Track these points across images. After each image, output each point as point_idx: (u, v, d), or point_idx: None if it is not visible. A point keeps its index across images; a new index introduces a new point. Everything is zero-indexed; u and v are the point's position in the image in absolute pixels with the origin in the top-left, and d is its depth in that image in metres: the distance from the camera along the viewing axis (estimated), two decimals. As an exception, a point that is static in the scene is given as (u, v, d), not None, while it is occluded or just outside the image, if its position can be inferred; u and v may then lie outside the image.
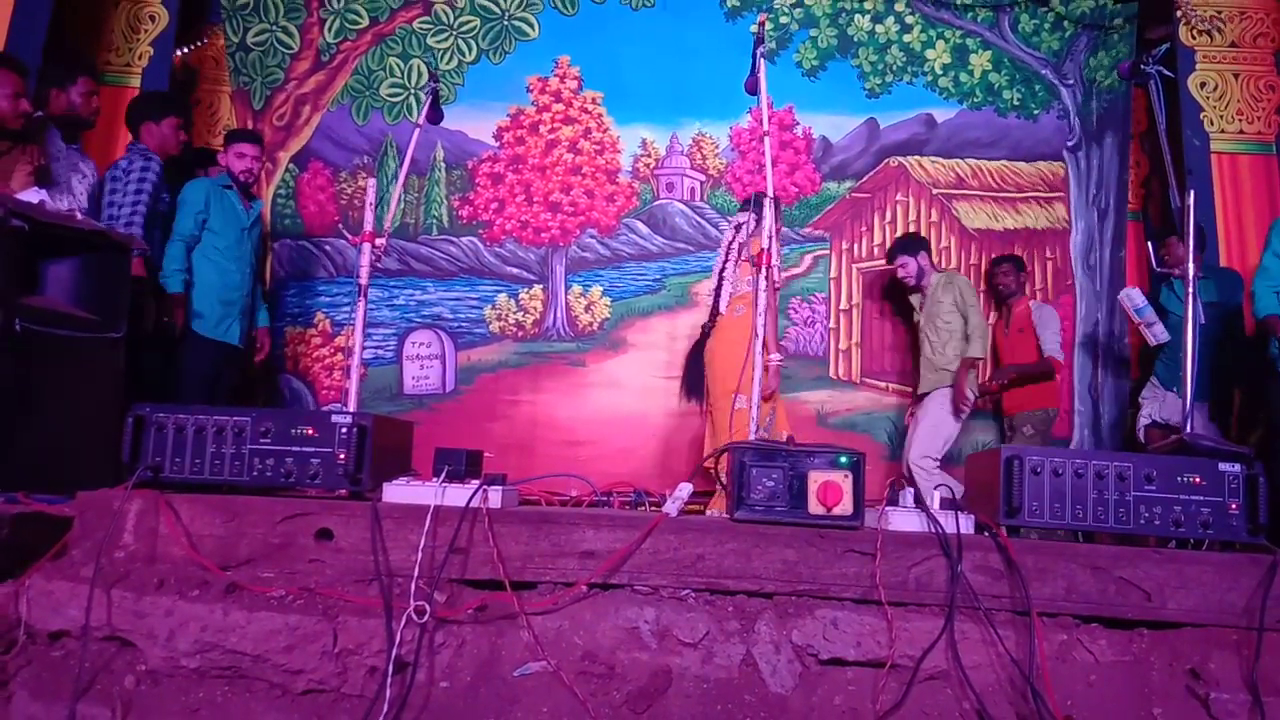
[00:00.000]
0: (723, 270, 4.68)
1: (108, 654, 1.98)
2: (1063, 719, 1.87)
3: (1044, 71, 5.78)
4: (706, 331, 4.69)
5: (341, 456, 2.27)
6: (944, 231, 5.79)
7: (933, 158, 5.82)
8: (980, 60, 5.81)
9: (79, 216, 3.68)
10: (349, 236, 4.07)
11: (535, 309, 5.82)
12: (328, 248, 5.84)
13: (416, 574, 2.04)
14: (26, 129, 3.88)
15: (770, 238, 3.43)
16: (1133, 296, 5.12)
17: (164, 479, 2.26)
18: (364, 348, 5.19)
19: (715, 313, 4.63)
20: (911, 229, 5.75)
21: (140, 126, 4.56)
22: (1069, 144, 5.76)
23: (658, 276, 5.89)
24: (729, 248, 4.68)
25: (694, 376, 4.71)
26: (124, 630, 1.98)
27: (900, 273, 5.17)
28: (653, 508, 2.65)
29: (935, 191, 5.82)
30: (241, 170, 4.79)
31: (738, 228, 4.69)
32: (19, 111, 3.79)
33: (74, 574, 2.06)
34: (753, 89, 3.43)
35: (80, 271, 3.51)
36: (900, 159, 5.84)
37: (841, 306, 5.74)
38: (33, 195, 3.59)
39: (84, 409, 3.32)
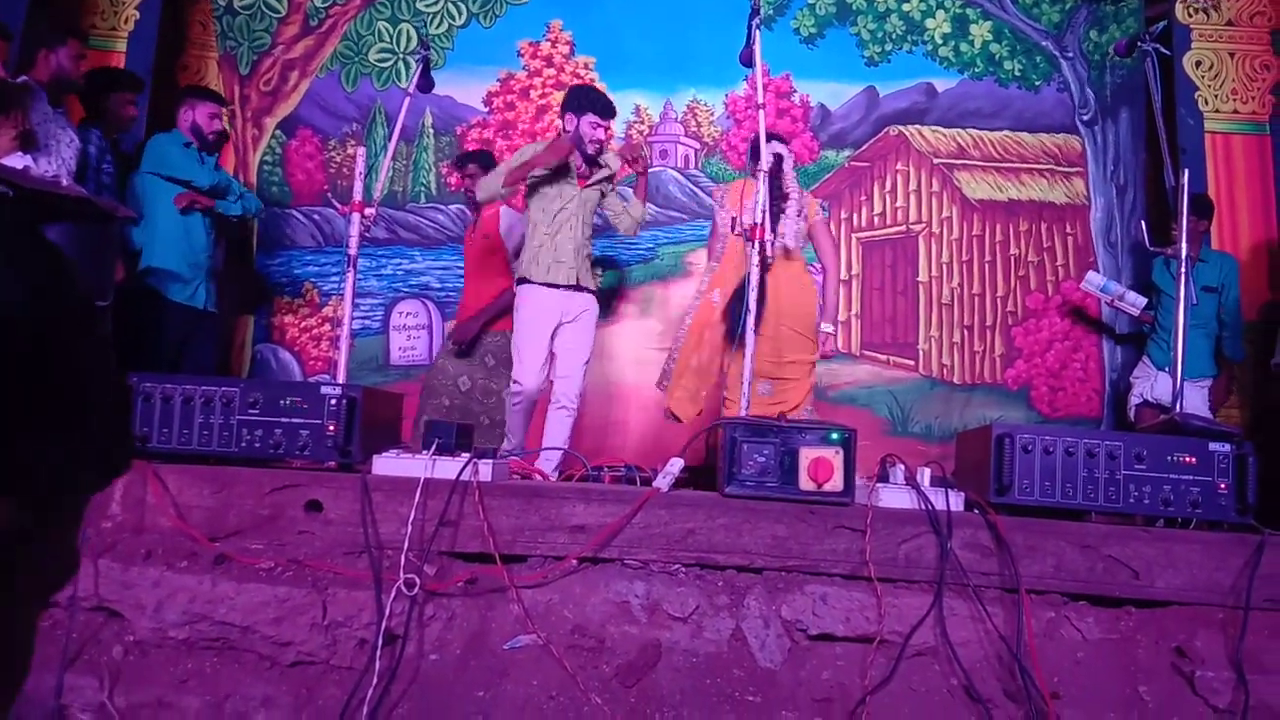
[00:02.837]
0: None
1: (95, 624, 1.97)
2: (1049, 695, 1.88)
3: (1044, 43, 5.73)
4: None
5: (331, 428, 2.26)
6: (945, 201, 5.76)
7: (933, 127, 5.77)
8: (980, 30, 5.75)
9: (64, 182, 3.63)
10: (338, 206, 4.03)
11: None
12: (316, 217, 5.78)
13: (406, 546, 2.03)
14: (7, 94, 3.81)
15: (763, 212, 3.42)
16: (1091, 280, 5.18)
17: (152, 449, 2.25)
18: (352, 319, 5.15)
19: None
20: (912, 199, 5.71)
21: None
22: (1084, 117, 5.70)
23: (650, 246, 5.84)
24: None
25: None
26: (112, 601, 1.97)
27: None
28: (643, 483, 2.64)
29: (936, 161, 5.77)
30: (213, 132, 4.69)
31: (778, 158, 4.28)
32: None
33: (61, 545, 2.04)
34: (748, 61, 3.39)
35: (66, 238, 3.47)
36: (900, 128, 5.79)
37: (841, 277, 5.71)
38: (17, 161, 3.54)
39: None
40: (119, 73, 4.81)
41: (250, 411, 2.26)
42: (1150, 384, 4.98)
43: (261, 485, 2.18)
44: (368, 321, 5.70)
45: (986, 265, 5.63)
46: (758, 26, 3.25)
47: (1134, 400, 5.04)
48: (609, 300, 5.74)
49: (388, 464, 2.30)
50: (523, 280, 4.22)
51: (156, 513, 2.15)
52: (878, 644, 2.00)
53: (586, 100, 4.32)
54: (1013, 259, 5.65)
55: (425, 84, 3.78)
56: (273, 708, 1.91)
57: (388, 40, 5.85)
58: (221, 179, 4.73)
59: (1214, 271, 4.83)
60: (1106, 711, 1.92)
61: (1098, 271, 5.42)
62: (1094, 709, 1.92)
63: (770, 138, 4.23)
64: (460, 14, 5.87)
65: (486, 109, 5.89)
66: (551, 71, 5.94)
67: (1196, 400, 4.66)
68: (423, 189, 5.83)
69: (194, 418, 2.25)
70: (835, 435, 2.22)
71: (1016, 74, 5.75)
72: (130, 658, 1.94)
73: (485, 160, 4.84)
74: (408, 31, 5.82)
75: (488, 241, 4.84)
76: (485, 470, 2.22)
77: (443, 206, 5.81)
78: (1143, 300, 5.05)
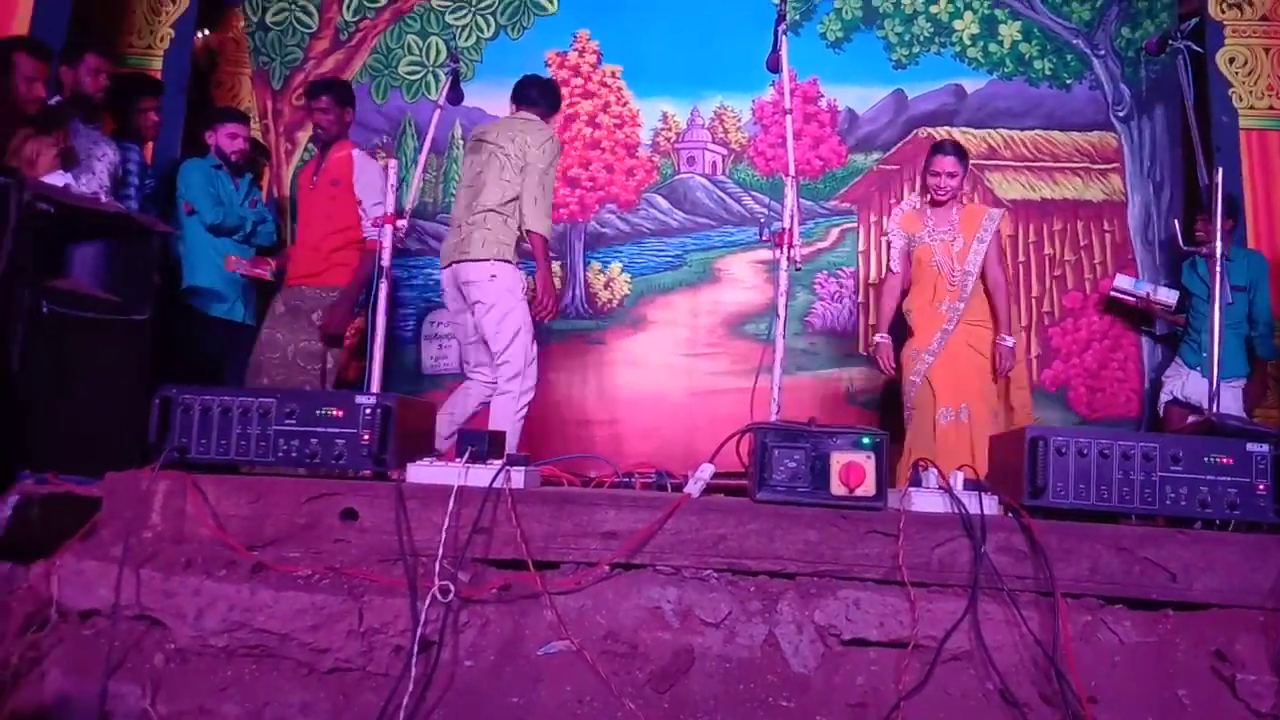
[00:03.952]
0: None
1: (137, 633, 2.01)
2: (1086, 699, 1.86)
3: (1075, 41, 5.68)
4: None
5: (366, 437, 2.28)
6: (977, 203, 5.72)
7: (963, 128, 5.74)
8: (1010, 30, 5.72)
9: (103, 199, 3.71)
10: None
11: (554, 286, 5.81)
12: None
13: (440, 554, 2.05)
14: (47, 113, 3.90)
15: (792, 216, 3.41)
16: (1121, 283, 5.14)
17: (190, 459, 2.28)
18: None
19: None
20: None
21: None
22: (1119, 114, 5.65)
23: (679, 252, 5.86)
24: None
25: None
26: (153, 609, 2.01)
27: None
28: (674, 489, 2.65)
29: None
30: (235, 151, 4.78)
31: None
32: (34, 96, 3.80)
33: (103, 554, 2.09)
34: (775, 66, 3.40)
35: (105, 254, 3.54)
36: (929, 130, 5.76)
37: (870, 281, 5.68)
38: (58, 179, 3.62)
39: (110, 390, 3.37)
40: (137, 79, 4.92)
41: (287, 422, 2.29)
42: (1181, 383, 4.93)
43: (298, 494, 2.21)
44: (399, 332, 5.76)
45: (1020, 266, 5.58)
46: (784, 32, 3.26)
47: (1164, 398, 5.00)
48: (636, 307, 5.76)
49: (421, 472, 2.32)
50: (502, 259, 4.04)
51: (196, 522, 2.19)
52: (912, 648, 1.99)
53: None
54: (1048, 258, 5.61)
55: (455, 96, 3.83)
56: (311, 714, 1.94)
57: (417, 53, 5.92)
58: (236, 214, 4.79)
59: (1242, 270, 4.77)
60: (1145, 716, 1.90)
61: (1136, 268, 5.39)
62: (1132, 713, 1.90)
63: (952, 146, 4.33)
64: (489, 26, 5.93)
65: (516, 119, 5.93)
66: (579, 81, 5.98)
67: (1229, 400, 4.60)
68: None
69: (231, 428, 2.29)
70: (867, 440, 2.21)
71: (1047, 73, 5.71)
72: (171, 665, 1.98)
73: (342, 93, 4.59)
74: (437, 44, 5.89)
75: (336, 189, 4.50)
76: (518, 478, 2.24)
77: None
78: (1174, 295, 5.00)
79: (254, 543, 2.18)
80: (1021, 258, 5.59)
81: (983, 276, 4.33)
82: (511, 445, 3.61)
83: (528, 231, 4.08)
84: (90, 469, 2.41)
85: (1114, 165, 5.64)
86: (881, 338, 4.50)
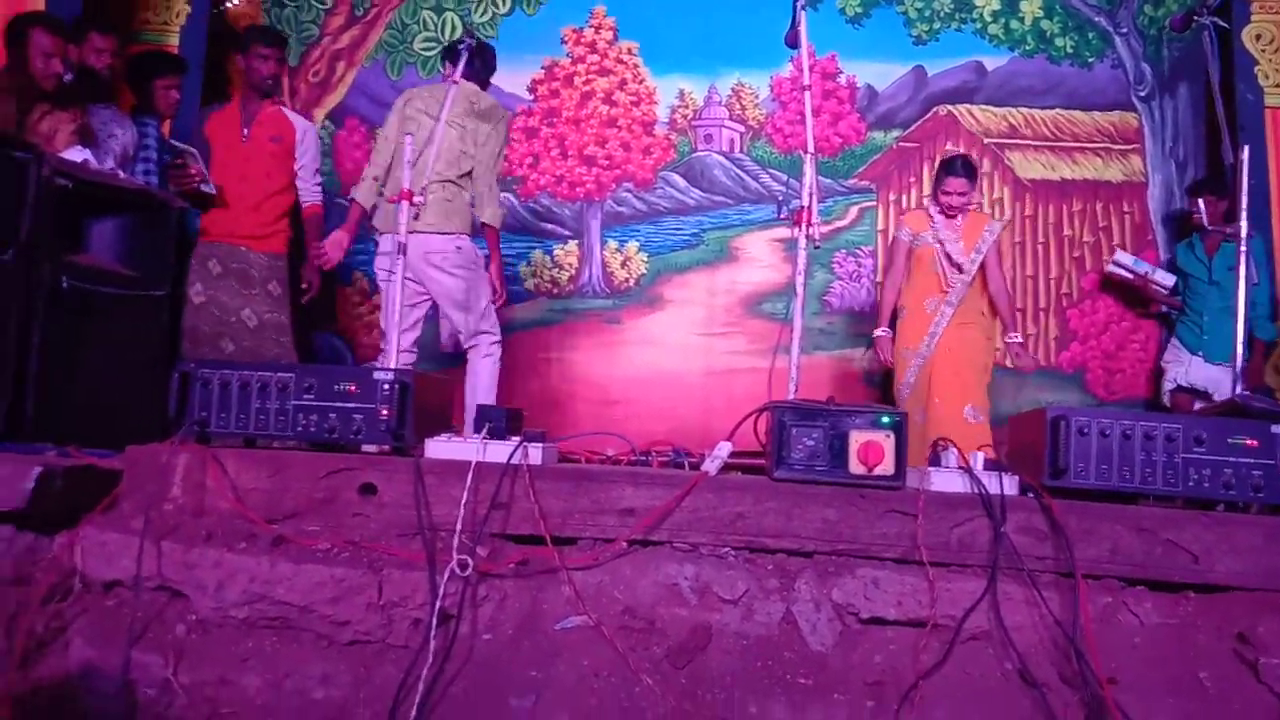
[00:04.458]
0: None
1: (159, 603, 2.02)
2: (1106, 681, 1.85)
3: (1097, 19, 5.61)
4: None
5: (384, 413, 2.29)
6: (996, 182, 5.68)
7: (983, 106, 5.70)
8: (1031, 7, 5.65)
9: (121, 174, 3.72)
10: (385, 195, 4.07)
11: (570, 265, 5.81)
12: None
13: (459, 528, 2.06)
14: (63, 89, 3.89)
15: (811, 194, 3.38)
16: (1121, 259, 5.09)
17: (210, 433, 2.30)
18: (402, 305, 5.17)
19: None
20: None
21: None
22: (1140, 93, 5.59)
23: (696, 231, 5.84)
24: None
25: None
26: (174, 581, 2.02)
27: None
28: (691, 467, 2.64)
29: (987, 141, 5.69)
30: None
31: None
32: (51, 72, 3.80)
33: (125, 526, 2.10)
34: (793, 42, 3.35)
35: (124, 229, 3.56)
36: (949, 107, 5.72)
37: (905, 273, 5.64)
38: (76, 154, 3.62)
39: (130, 365, 3.39)
40: (159, 57, 4.89)
41: (305, 396, 2.30)
42: (1184, 369, 4.88)
43: (317, 469, 2.22)
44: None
45: (1039, 246, 5.55)
46: (803, 7, 3.22)
47: (1167, 385, 4.94)
48: (654, 287, 5.75)
49: (440, 447, 2.33)
50: (464, 233, 4.12)
51: (216, 495, 2.20)
52: (930, 628, 1.99)
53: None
54: (1067, 239, 5.57)
55: (472, 71, 3.81)
56: (332, 686, 1.95)
57: (432, 29, 5.89)
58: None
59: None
60: (1166, 697, 1.89)
61: (1156, 250, 5.34)
62: (1152, 695, 1.89)
63: (963, 165, 4.43)
64: (504, 2, 5.91)
65: (531, 97, 5.91)
66: (595, 58, 5.95)
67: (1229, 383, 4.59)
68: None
69: (250, 403, 2.29)
70: (886, 419, 2.20)
71: (1069, 51, 5.64)
72: (193, 636, 1.99)
73: (285, 46, 4.48)
74: (452, 20, 5.86)
75: (278, 146, 4.39)
76: (535, 454, 2.24)
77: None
78: (1172, 278, 4.97)
79: (274, 516, 2.19)
80: (1041, 239, 5.55)
81: (985, 283, 4.49)
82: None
83: (484, 225, 4.18)
84: (111, 442, 2.42)
85: (1134, 146, 5.58)
86: (882, 331, 4.57)
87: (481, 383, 4.10)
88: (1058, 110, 5.65)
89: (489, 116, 4.17)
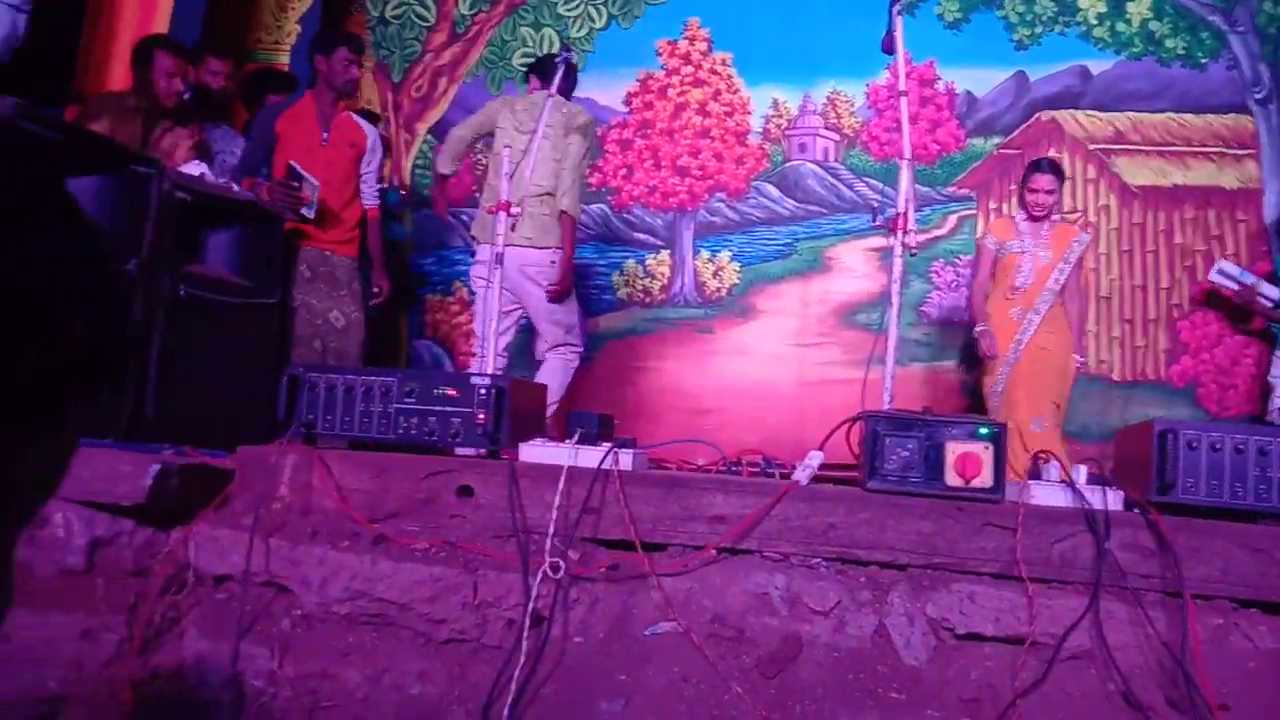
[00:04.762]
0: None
1: (266, 598, 2.11)
2: (1217, 706, 1.78)
3: (1211, 18, 5.37)
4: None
5: (481, 417, 2.34)
6: (1102, 189, 5.49)
7: (1088, 111, 5.51)
8: (1139, 8, 5.44)
9: (235, 188, 3.89)
10: (484, 206, 4.17)
11: (663, 275, 5.83)
12: (465, 217, 5.98)
13: (551, 531, 2.09)
14: (182, 107, 4.11)
15: (907, 201, 3.33)
16: (1226, 269, 4.84)
17: (316, 435, 2.38)
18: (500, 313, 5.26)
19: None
20: (1066, 186, 5.45)
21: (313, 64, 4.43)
22: (1257, 96, 5.32)
23: (789, 241, 5.80)
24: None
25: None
26: (281, 576, 2.11)
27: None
28: (782, 475, 2.63)
29: (1092, 147, 5.50)
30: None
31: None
32: (173, 91, 4.02)
33: (235, 523, 2.20)
34: (889, 48, 3.32)
35: (237, 240, 3.72)
36: (1052, 113, 5.56)
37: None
38: (194, 168, 3.81)
39: (243, 369, 3.53)
40: (271, 75, 5.11)
41: (407, 400, 2.37)
42: None
43: (417, 470, 2.29)
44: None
45: (1149, 255, 5.33)
46: (899, 13, 3.18)
47: (1276, 403, 4.64)
48: (746, 296, 5.73)
49: (533, 451, 2.37)
50: (558, 246, 4.22)
51: (321, 495, 2.28)
52: (1029, 645, 1.94)
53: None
54: (1178, 248, 5.34)
55: (567, 86, 3.87)
56: (428, 682, 2.00)
57: (530, 45, 6.01)
58: None
59: None
60: (1282, 726, 1.80)
61: (1271, 260, 5.07)
62: (1268, 722, 1.81)
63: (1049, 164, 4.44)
64: (600, 16, 5.98)
65: (626, 109, 5.97)
66: (689, 69, 5.98)
67: None
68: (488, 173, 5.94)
69: (355, 406, 2.38)
70: (984, 430, 2.16)
71: (1179, 52, 5.41)
72: (298, 630, 2.07)
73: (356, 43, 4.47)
74: (549, 36, 5.97)
75: (354, 152, 4.41)
76: (626, 460, 2.27)
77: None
78: (1277, 291, 4.70)
79: (375, 515, 2.26)
80: (1150, 247, 5.33)
81: (1062, 295, 4.46)
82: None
83: (561, 213, 4.23)
84: (225, 443, 2.54)
85: (1250, 151, 5.32)
86: (982, 326, 4.50)
87: (554, 380, 4.13)
88: (1168, 114, 5.42)
89: (582, 130, 4.28)
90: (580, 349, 4.35)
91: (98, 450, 2.28)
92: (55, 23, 4.48)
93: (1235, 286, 4.90)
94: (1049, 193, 4.39)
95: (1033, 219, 4.47)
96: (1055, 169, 4.49)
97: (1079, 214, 5.44)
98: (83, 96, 4.48)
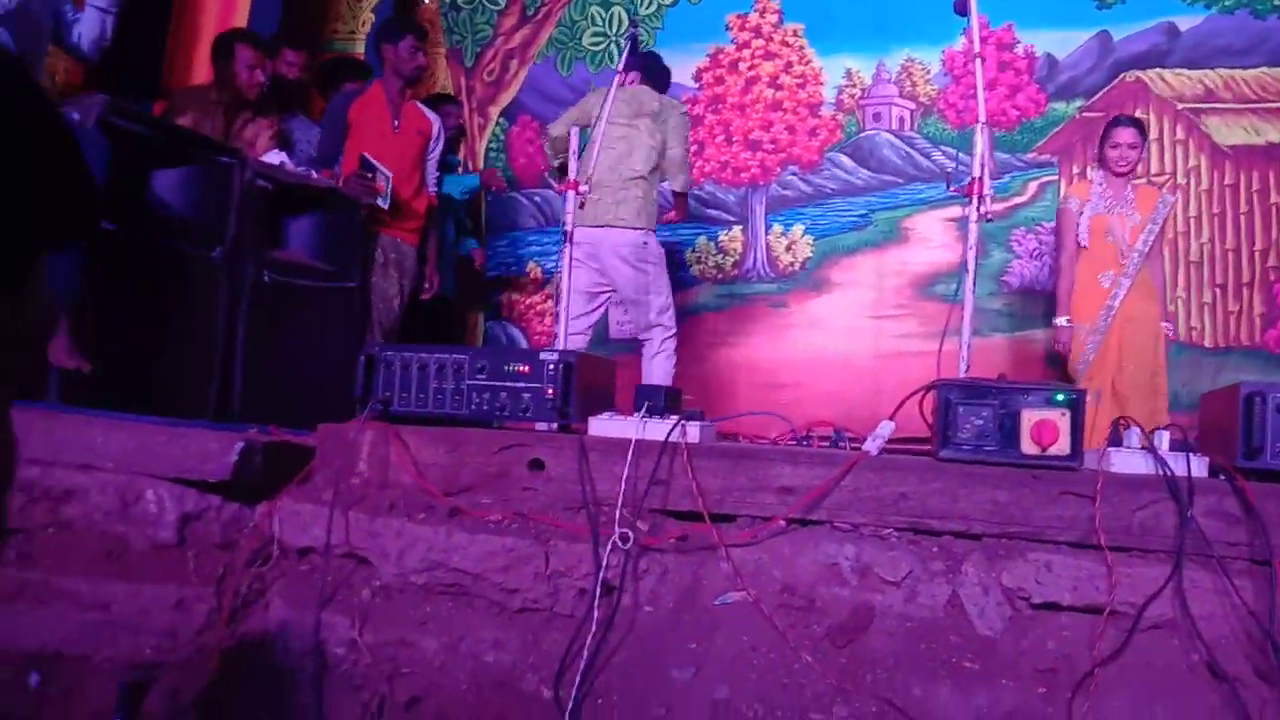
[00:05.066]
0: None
1: (347, 569, 2.18)
2: (1308, 677, 1.71)
3: (1309, -36, 5.10)
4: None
5: (550, 392, 2.37)
6: (1191, 150, 5.27)
7: (1176, 70, 5.29)
8: (1232, -41, 5.20)
9: (314, 175, 4.00)
10: (555, 185, 4.20)
11: (735, 250, 5.80)
12: (537, 199, 6.05)
13: (620, 503, 2.12)
14: (262, 98, 4.23)
15: (983, 166, 3.25)
16: None
17: (393, 412, 2.45)
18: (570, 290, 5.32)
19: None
20: (1153, 148, 5.25)
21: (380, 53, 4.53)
22: None
23: (864, 212, 5.72)
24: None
25: None
26: (360, 548, 2.18)
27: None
28: (853, 447, 2.61)
29: (1180, 106, 5.28)
30: (449, 129, 4.99)
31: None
32: (254, 82, 4.14)
33: (316, 497, 2.28)
34: (962, 9, 3.23)
35: (317, 226, 3.83)
36: (1138, 73, 5.35)
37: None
38: (274, 157, 3.93)
39: (326, 351, 3.64)
40: (348, 63, 5.23)
41: (478, 377, 2.42)
42: None
43: (490, 445, 2.33)
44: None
45: (1242, 217, 5.11)
46: (973, -27, 3.10)
47: None
48: (820, 270, 5.67)
49: (602, 425, 2.40)
50: (652, 229, 4.31)
51: (398, 470, 2.34)
52: (1108, 615, 1.89)
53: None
54: (1274, 208, 5.09)
55: (633, 61, 3.87)
56: (502, 650, 2.05)
57: (600, 24, 6.02)
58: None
59: None
60: (1379, 698, 1.73)
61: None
62: (1364, 695, 1.74)
63: (1131, 122, 4.33)
64: (669, -8, 5.95)
65: (697, 85, 5.94)
66: (760, 42, 5.92)
67: None
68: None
69: (429, 383, 2.43)
70: (1061, 396, 2.10)
71: (1276, 3, 5.14)
72: (377, 600, 2.13)
73: (422, 31, 4.53)
74: (619, 14, 5.96)
75: (422, 139, 4.52)
76: (693, 432, 2.28)
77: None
78: None
79: (450, 489, 2.31)
80: (1244, 208, 5.10)
81: (1148, 259, 4.32)
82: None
83: (676, 194, 4.40)
84: (310, 422, 2.62)
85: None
86: (1063, 321, 4.38)
87: (655, 379, 4.27)
88: (1262, 69, 5.16)
89: (662, 114, 4.33)
90: (673, 330, 4.37)
91: (187, 429, 2.39)
92: (143, 22, 4.66)
93: None
94: (1132, 146, 4.27)
95: (1116, 175, 4.32)
96: (1137, 124, 4.37)
97: (1167, 177, 5.23)
98: (169, 92, 4.65)
